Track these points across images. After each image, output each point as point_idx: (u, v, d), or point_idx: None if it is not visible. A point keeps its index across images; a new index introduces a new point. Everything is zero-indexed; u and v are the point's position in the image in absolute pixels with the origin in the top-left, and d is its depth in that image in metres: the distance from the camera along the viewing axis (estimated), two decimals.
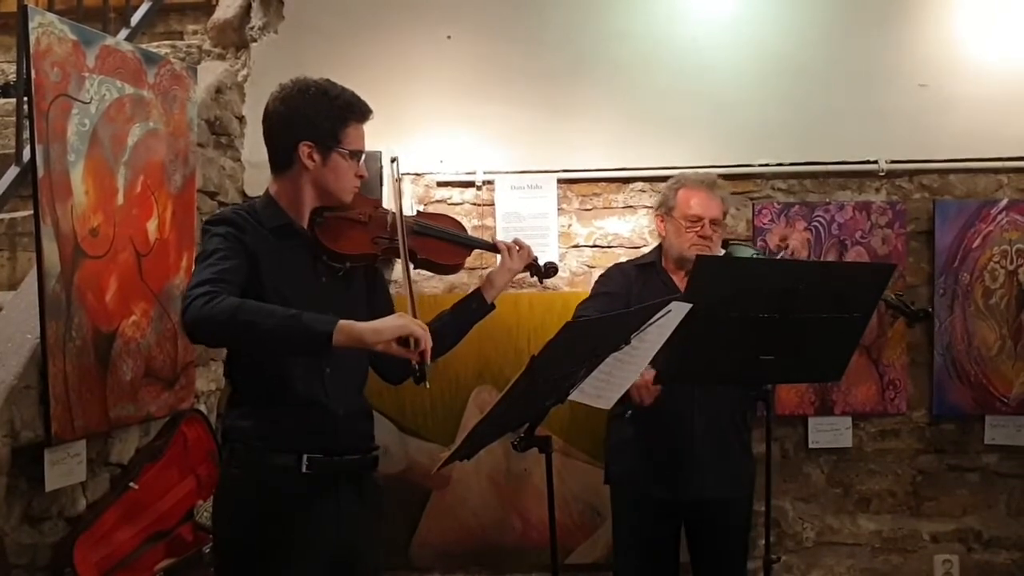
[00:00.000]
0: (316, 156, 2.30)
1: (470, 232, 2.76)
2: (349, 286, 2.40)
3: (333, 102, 2.31)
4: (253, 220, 2.30)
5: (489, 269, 2.72)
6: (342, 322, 2.04)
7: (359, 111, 2.34)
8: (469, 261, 2.71)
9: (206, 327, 2.06)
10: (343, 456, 2.31)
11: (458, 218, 2.81)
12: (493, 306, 2.59)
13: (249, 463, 2.27)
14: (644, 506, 3.06)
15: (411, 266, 2.41)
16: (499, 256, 2.61)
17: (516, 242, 2.62)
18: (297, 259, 2.31)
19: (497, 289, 2.58)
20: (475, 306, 2.57)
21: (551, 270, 2.71)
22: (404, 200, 2.49)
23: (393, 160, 2.53)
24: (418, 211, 2.70)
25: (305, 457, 2.25)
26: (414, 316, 2.17)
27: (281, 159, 2.34)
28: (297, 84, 2.33)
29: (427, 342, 2.08)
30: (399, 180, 2.56)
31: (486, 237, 2.64)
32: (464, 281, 3.86)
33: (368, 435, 2.44)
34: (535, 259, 2.66)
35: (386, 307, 2.47)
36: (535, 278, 2.71)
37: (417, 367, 2.09)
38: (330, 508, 2.28)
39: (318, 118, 2.29)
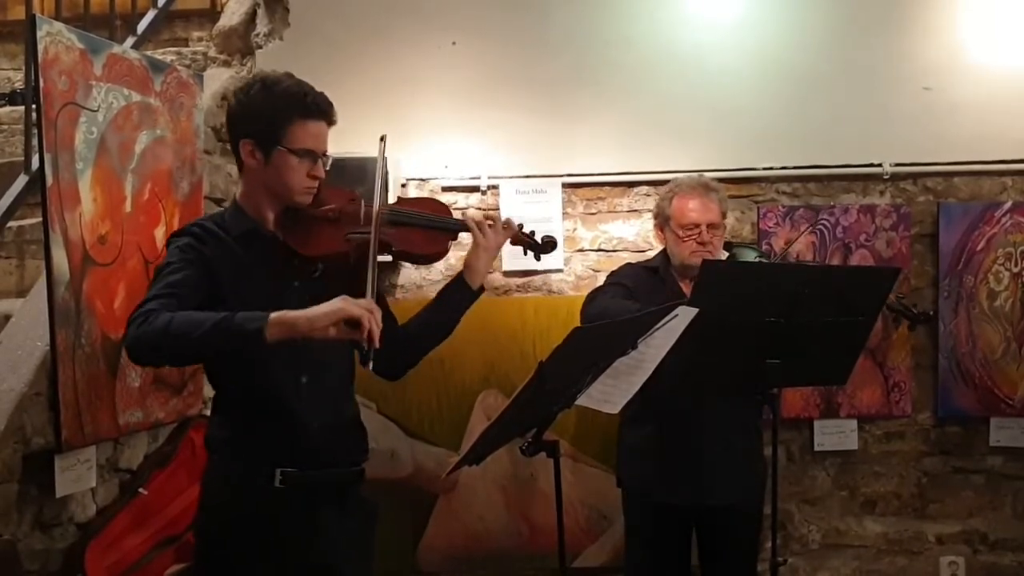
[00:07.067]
0: (258, 155, 2.19)
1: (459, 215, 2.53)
2: (327, 287, 2.17)
3: (274, 97, 2.16)
4: (219, 229, 2.21)
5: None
6: (274, 314, 1.94)
7: (306, 108, 2.17)
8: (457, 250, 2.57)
9: (142, 349, 1.99)
10: (321, 470, 2.21)
11: None
12: (481, 290, 2.39)
13: (224, 473, 2.23)
14: (656, 511, 3.06)
15: (379, 249, 2.23)
16: (471, 235, 2.37)
17: (489, 217, 2.40)
18: (265, 265, 2.19)
19: (478, 272, 2.36)
20: (458, 293, 2.38)
21: (548, 244, 2.47)
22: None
23: (382, 138, 2.40)
24: (397, 197, 2.60)
25: (278, 471, 2.16)
26: (373, 297, 2.04)
27: (237, 160, 2.24)
28: (249, 79, 2.21)
29: (371, 322, 1.94)
30: (385, 159, 2.37)
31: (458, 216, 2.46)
32: None
33: (355, 448, 2.32)
34: (524, 234, 2.44)
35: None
36: (530, 254, 2.48)
37: (363, 348, 1.97)
38: (303, 525, 2.19)
39: (258, 114, 2.17)
